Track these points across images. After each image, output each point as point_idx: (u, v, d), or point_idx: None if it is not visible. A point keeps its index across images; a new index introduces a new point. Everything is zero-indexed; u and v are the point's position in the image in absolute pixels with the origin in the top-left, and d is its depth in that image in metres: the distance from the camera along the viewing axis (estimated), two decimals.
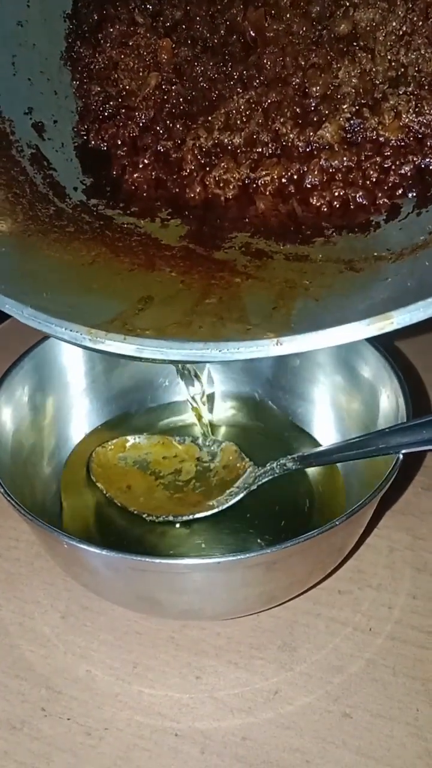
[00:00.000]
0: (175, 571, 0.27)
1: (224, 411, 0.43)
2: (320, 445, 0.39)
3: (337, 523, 0.27)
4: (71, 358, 0.39)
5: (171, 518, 0.36)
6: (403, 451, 0.30)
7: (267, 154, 0.33)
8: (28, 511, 0.29)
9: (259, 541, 0.35)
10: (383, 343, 0.36)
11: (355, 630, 0.32)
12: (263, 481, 0.36)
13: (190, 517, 0.36)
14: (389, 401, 0.35)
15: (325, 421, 0.40)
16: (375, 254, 0.29)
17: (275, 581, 0.30)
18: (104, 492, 0.37)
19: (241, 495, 0.36)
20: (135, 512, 0.36)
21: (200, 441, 0.40)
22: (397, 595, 0.34)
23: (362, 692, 0.30)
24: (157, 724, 0.29)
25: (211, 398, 0.43)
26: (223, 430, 0.42)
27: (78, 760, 0.28)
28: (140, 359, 0.25)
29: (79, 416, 0.41)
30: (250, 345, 0.24)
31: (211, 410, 0.43)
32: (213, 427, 0.42)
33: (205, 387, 0.38)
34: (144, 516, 0.36)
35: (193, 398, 0.39)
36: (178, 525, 0.36)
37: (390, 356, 0.36)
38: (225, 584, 0.29)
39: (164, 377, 0.42)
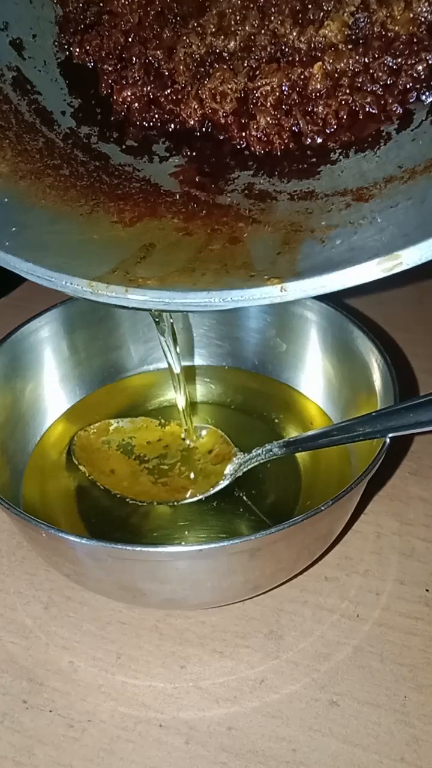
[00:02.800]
0: (156, 559, 0.27)
1: (208, 394, 0.42)
2: (307, 429, 0.39)
3: (322, 508, 0.27)
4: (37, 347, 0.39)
5: (155, 504, 0.35)
6: (391, 435, 0.30)
7: (265, 60, 0.30)
8: (5, 500, 0.28)
9: (245, 522, 0.35)
10: (370, 325, 0.36)
11: (342, 617, 0.32)
12: (249, 467, 0.35)
13: (175, 503, 0.35)
14: (376, 385, 0.34)
15: (312, 405, 0.40)
16: (385, 176, 0.27)
17: (260, 568, 0.29)
18: (87, 475, 0.37)
19: (227, 482, 0.35)
20: (118, 496, 0.36)
21: (184, 425, 0.39)
22: (384, 581, 0.33)
23: (349, 680, 0.30)
24: (141, 715, 0.29)
25: (194, 382, 0.43)
26: (207, 412, 0.42)
27: (60, 752, 0.28)
28: (143, 310, 0.25)
29: (46, 404, 0.40)
30: (254, 292, 0.23)
31: (194, 394, 0.42)
32: (196, 409, 0.42)
33: (180, 367, 0.37)
34: (127, 500, 0.35)
35: (177, 376, 0.38)
36: (161, 504, 0.35)
37: (377, 339, 0.35)
38: (208, 572, 0.28)
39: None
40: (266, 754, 0.27)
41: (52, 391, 0.40)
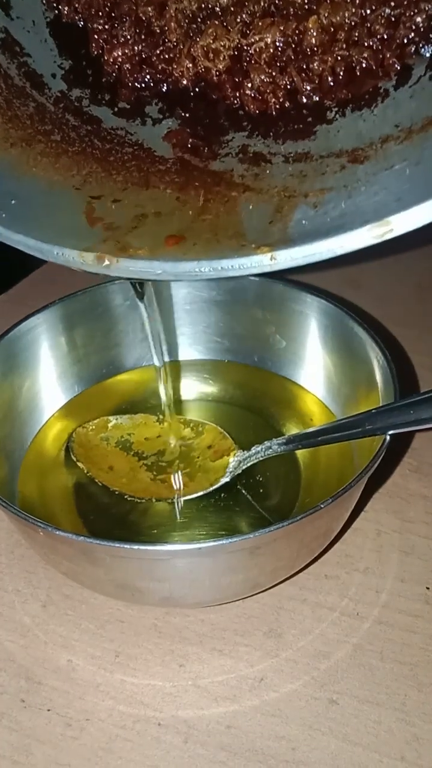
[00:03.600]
0: (155, 558, 0.27)
1: (207, 389, 0.42)
2: (306, 425, 0.39)
3: (321, 506, 0.27)
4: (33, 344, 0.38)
5: (154, 501, 0.35)
6: (391, 432, 0.30)
7: (259, 14, 0.29)
8: (3, 499, 0.28)
9: (244, 519, 0.34)
10: (370, 321, 0.36)
11: (341, 615, 0.32)
12: (248, 465, 0.35)
13: (173, 500, 0.35)
14: (376, 381, 0.34)
15: (311, 400, 0.40)
16: (381, 135, 0.26)
17: (260, 566, 0.29)
18: (85, 471, 0.37)
19: (225, 480, 0.35)
20: (117, 492, 0.35)
21: (183, 421, 0.39)
22: (384, 579, 0.33)
23: (349, 678, 0.29)
24: (139, 714, 0.29)
25: (193, 377, 0.43)
26: (205, 407, 0.41)
27: (59, 751, 0.28)
28: (132, 279, 0.25)
29: (43, 401, 0.40)
30: (244, 261, 0.23)
31: (193, 390, 0.42)
32: (194, 404, 0.41)
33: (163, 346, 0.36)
34: (126, 497, 0.35)
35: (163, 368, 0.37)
36: (160, 501, 0.35)
37: (378, 336, 0.35)
38: (207, 570, 0.28)
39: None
40: (265, 752, 0.27)
41: (50, 388, 0.40)
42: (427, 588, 0.33)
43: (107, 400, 0.41)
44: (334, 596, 0.32)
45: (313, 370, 0.40)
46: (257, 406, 0.41)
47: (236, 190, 0.27)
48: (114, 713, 0.29)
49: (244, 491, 0.36)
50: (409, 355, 0.45)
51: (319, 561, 0.34)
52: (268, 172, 0.27)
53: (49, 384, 0.40)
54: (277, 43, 0.29)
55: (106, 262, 0.24)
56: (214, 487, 0.35)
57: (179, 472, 0.37)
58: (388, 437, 0.30)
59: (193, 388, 0.43)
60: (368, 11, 0.28)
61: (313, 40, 0.28)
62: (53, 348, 0.39)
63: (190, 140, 0.29)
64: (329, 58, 0.28)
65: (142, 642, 0.31)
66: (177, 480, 0.37)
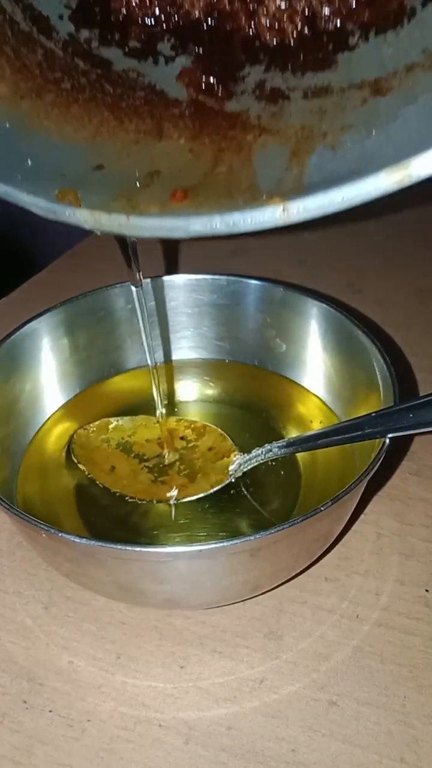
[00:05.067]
0: (156, 560, 0.27)
1: (207, 391, 0.43)
2: (307, 427, 0.39)
3: (322, 508, 0.27)
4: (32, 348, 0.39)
5: (155, 502, 0.35)
6: (390, 435, 0.30)
7: None
8: (5, 501, 0.28)
9: (245, 520, 0.35)
10: (370, 326, 0.36)
11: (341, 617, 0.32)
12: (248, 468, 0.35)
13: (174, 502, 0.35)
14: (376, 385, 0.34)
15: (312, 402, 0.40)
16: (405, 63, 0.25)
17: (260, 568, 0.29)
18: (87, 473, 0.37)
19: (226, 482, 0.35)
20: (118, 494, 0.36)
21: (184, 423, 0.39)
22: (384, 581, 0.33)
23: (349, 680, 0.30)
24: (140, 715, 0.29)
25: (193, 378, 0.43)
26: (206, 409, 0.42)
27: (60, 752, 0.28)
28: (143, 237, 0.24)
29: (45, 403, 0.40)
30: (255, 214, 0.22)
31: (193, 391, 0.43)
32: (195, 406, 0.42)
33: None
34: (127, 498, 0.36)
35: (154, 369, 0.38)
36: (161, 503, 0.36)
37: (377, 339, 0.35)
38: (208, 572, 0.28)
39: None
40: (266, 754, 0.27)
41: (52, 390, 0.40)
42: (427, 590, 0.33)
43: (108, 401, 0.42)
44: (334, 599, 0.33)
45: (314, 373, 0.40)
46: (257, 408, 0.41)
47: (252, 133, 0.26)
48: (115, 714, 0.29)
49: (244, 492, 0.36)
50: (408, 359, 0.46)
51: (319, 563, 0.34)
52: (285, 110, 0.26)
53: (50, 386, 0.40)
54: None
55: (118, 221, 0.23)
56: (215, 488, 0.35)
57: (180, 474, 0.37)
58: (387, 440, 0.30)
59: (194, 389, 0.43)
60: None
61: None
62: (55, 350, 0.40)
63: (205, 79, 0.28)
64: None
65: (143, 644, 0.31)
66: (177, 481, 0.37)
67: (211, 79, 0.28)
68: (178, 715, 0.29)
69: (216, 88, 0.28)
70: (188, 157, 0.26)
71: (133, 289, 0.33)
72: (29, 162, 0.26)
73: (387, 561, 0.34)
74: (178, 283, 0.41)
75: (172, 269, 0.58)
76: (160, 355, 0.43)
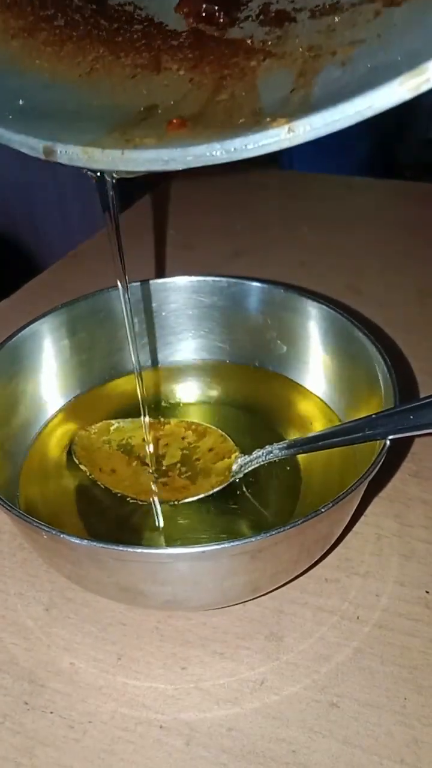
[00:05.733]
0: (157, 561, 0.27)
1: (208, 392, 0.43)
2: (307, 428, 0.39)
3: (322, 510, 0.27)
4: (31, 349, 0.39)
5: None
6: (391, 437, 0.30)
7: None
8: (6, 502, 0.28)
9: (245, 521, 0.35)
10: (370, 327, 0.36)
11: (342, 618, 0.32)
12: (249, 469, 0.35)
13: (175, 503, 0.35)
14: (376, 386, 0.34)
15: (312, 403, 0.40)
16: None
17: (261, 570, 0.29)
18: (88, 474, 0.37)
19: (226, 483, 0.35)
20: (119, 495, 0.36)
21: (185, 424, 0.39)
22: (384, 582, 0.33)
23: (349, 681, 0.30)
24: (141, 716, 0.29)
25: (194, 379, 0.43)
26: (206, 410, 0.42)
27: (61, 754, 0.28)
28: (139, 173, 0.23)
29: (47, 405, 0.40)
30: (258, 137, 0.21)
31: (194, 392, 0.43)
32: (195, 407, 0.42)
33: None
34: (128, 499, 0.36)
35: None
36: (162, 503, 0.36)
37: (378, 341, 0.35)
38: (210, 574, 0.28)
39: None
40: (266, 755, 0.28)
41: (53, 391, 0.40)
42: (427, 592, 0.33)
43: (109, 403, 0.42)
44: (335, 600, 0.33)
45: (314, 374, 0.40)
46: (258, 410, 0.41)
47: (255, 59, 0.24)
48: (116, 716, 0.29)
49: (244, 493, 0.36)
50: (408, 360, 0.46)
51: (320, 564, 0.34)
52: (291, 32, 0.25)
53: (51, 387, 0.40)
54: None
55: (112, 157, 0.22)
56: (216, 489, 0.36)
57: (181, 475, 0.37)
58: (388, 442, 0.30)
59: (195, 391, 0.43)
60: None
61: None
62: (56, 352, 0.40)
63: (205, 6, 0.26)
64: None
65: (144, 645, 0.31)
66: (178, 483, 0.37)
67: (212, 7, 0.26)
68: (179, 717, 0.29)
69: (217, 15, 0.26)
70: (188, 88, 0.25)
71: (120, 289, 0.32)
72: (20, 102, 0.25)
73: (387, 562, 0.34)
74: (179, 284, 0.42)
75: (172, 271, 0.58)
76: (160, 357, 0.44)
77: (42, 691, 0.30)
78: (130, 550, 0.26)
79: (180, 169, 0.23)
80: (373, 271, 0.58)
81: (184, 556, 0.27)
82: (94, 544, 0.26)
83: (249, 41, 0.25)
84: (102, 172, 0.28)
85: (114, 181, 0.28)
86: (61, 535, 0.26)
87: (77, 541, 0.26)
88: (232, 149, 0.21)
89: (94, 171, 0.25)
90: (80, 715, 0.29)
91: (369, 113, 0.20)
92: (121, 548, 0.26)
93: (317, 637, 0.31)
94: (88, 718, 0.29)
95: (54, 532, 0.27)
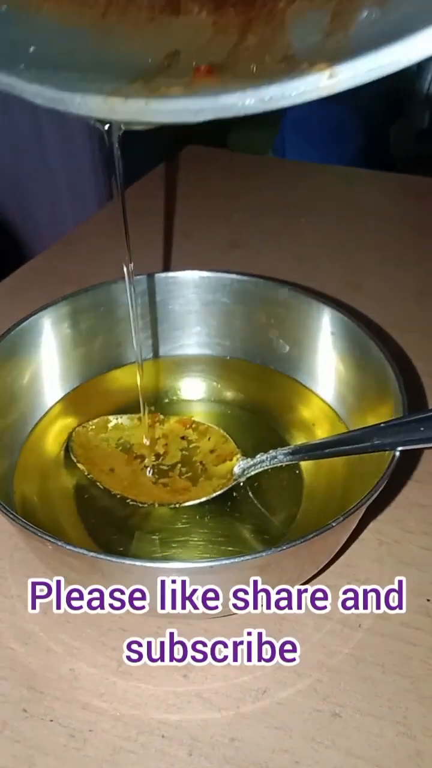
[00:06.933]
0: (164, 576, 0.26)
1: (210, 392, 0.42)
2: (310, 430, 0.39)
3: (333, 524, 0.27)
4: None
5: (156, 505, 0.35)
6: (400, 449, 0.30)
7: None
8: (5, 506, 0.27)
9: (245, 525, 0.34)
10: (370, 325, 0.36)
11: (343, 626, 0.32)
12: (252, 473, 0.35)
13: (176, 506, 0.35)
14: (381, 390, 0.34)
15: (316, 404, 0.40)
16: None
17: (265, 581, 0.29)
18: (86, 473, 0.36)
19: (228, 486, 0.35)
20: (118, 496, 0.35)
21: (187, 423, 0.39)
22: (385, 589, 0.33)
23: (352, 691, 0.30)
24: (143, 726, 0.29)
25: (196, 378, 0.43)
26: (209, 410, 0.41)
27: (61, 763, 0.27)
28: (166, 125, 0.21)
29: (45, 400, 0.39)
30: (296, 84, 0.19)
31: (196, 392, 0.42)
32: (197, 405, 0.41)
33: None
34: (128, 500, 0.35)
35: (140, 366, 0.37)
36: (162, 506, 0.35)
37: (387, 349, 0.35)
38: (215, 585, 0.28)
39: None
40: (269, 765, 0.27)
41: (52, 384, 0.39)
42: (428, 600, 0.33)
43: (108, 396, 0.41)
44: (336, 607, 0.33)
45: (317, 375, 0.40)
46: (260, 409, 0.41)
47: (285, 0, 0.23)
48: (117, 724, 0.29)
49: (245, 496, 0.36)
50: (413, 362, 0.45)
51: (322, 572, 0.34)
52: None
53: (49, 380, 0.39)
54: None
55: (136, 106, 0.20)
56: (217, 493, 0.35)
57: (181, 476, 0.37)
58: (397, 453, 0.30)
59: (197, 388, 0.42)
60: None
61: None
62: (57, 344, 0.39)
63: None
64: None
65: (145, 651, 0.31)
66: (179, 484, 0.36)
67: None
68: (181, 726, 0.29)
69: None
70: (211, 32, 0.23)
71: (127, 283, 0.31)
72: (31, 49, 0.23)
73: (388, 569, 0.34)
74: (183, 279, 0.41)
75: (169, 263, 0.57)
76: (162, 351, 0.43)
77: (41, 698, 0.29)
78: (138, 564, 0.25)
79: (209, 119, 0.21)
80: (372, 266, 0.57)
81: (192, 571, 0.26)
82: (102, 556, 0.26)
83: None
84: (111, 124, 0.25)
85: (120, 133, 0.26)
86: (68, 547, 0.26)
87: (85, 553, 0.26)
88: (267, 98, 0.19)
89: (104, 123, 0.23)
90: (81, 723, 0.29)
91: (415, 57, 0.18)
92: (128, 562, 0.25)
93: (319, 644, 0.31)
94: (88, 727, 0.29)
95: (59, 543, 0.26)
